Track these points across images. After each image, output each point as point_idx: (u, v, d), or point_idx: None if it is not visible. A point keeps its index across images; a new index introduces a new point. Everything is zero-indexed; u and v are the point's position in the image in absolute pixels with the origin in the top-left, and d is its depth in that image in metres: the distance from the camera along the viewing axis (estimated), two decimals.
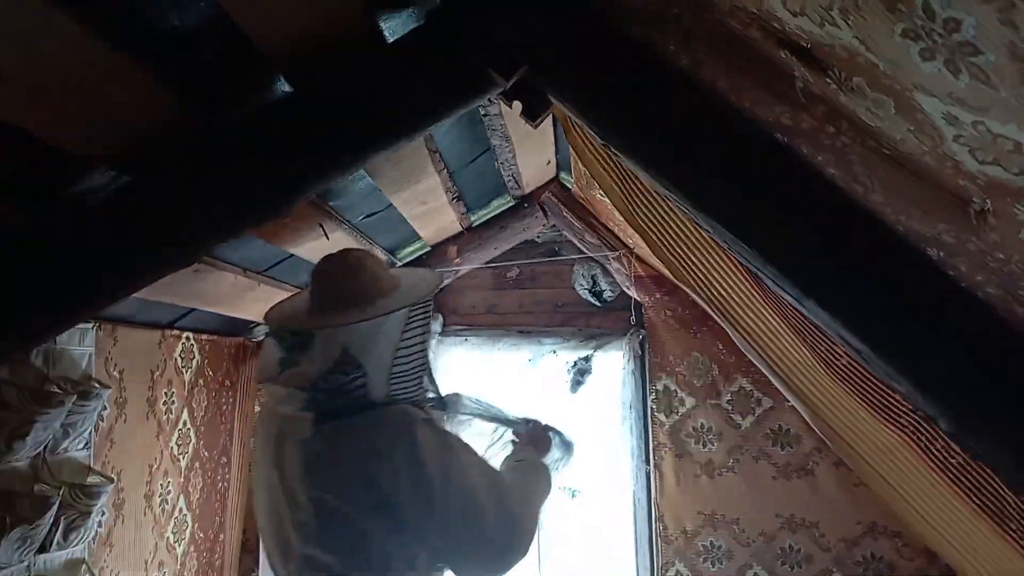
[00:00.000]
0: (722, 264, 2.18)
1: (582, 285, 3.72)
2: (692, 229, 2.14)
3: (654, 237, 2.28)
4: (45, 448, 2.21)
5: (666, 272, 3.09)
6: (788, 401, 3.25)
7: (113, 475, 2.56)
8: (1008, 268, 1.03)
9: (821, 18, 0.86)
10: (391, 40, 1.55)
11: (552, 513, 3.41)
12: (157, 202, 1.56)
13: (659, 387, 3.60)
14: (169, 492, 3.06)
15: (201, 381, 3.26)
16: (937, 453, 2.00)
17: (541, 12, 1.47)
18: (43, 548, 2.20)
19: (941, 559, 3.16)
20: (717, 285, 2.28)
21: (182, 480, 3.17)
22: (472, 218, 3.50)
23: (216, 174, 1.56)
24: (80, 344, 2.38)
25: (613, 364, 3.70)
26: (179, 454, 3.12)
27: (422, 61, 1.52)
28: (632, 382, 3.63)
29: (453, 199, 3.04)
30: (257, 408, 3.77)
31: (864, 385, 2.08)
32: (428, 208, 2.97)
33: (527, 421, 2.14)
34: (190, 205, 1.55)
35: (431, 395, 1.78)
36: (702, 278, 2.30)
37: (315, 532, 1.55)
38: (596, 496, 3.86)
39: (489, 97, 1.60)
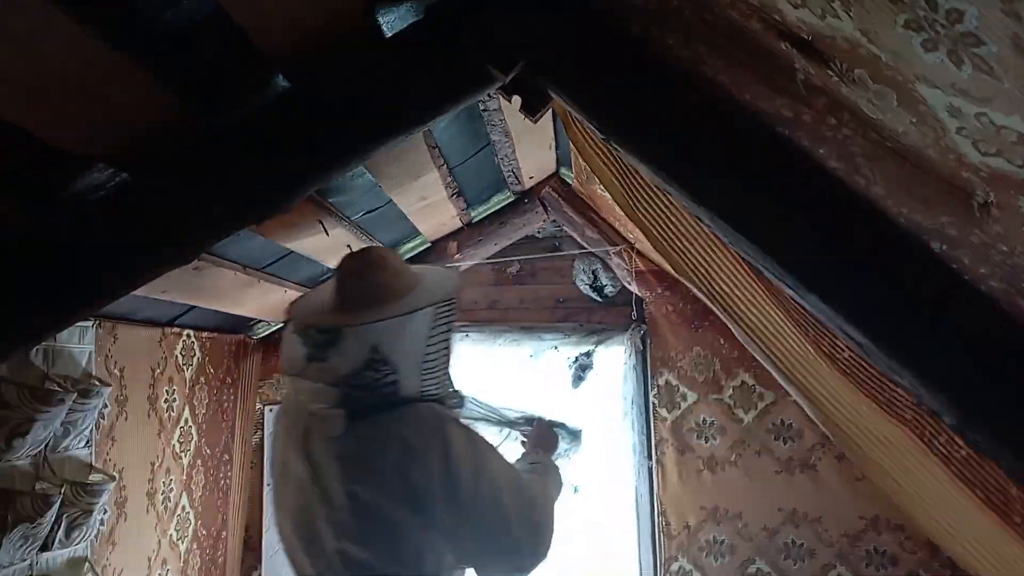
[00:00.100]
0: (723, 258, 2.17)
1: (583, 280, 3.71)
2: (693, 223, 2.13)
3: (655, 232, 2.27)
4: (46, 446, 2.21)
5: (667, 267, 3.08)
6: (790, 395, 3.24)
7: (115, 473, 2.56)
8: (1012, 261, 1.03)
9: (822, 10, 0.86)
10: (390, 35, 1.55)
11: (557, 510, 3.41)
12: (157, 200, 1.56)
13: (661, 382, 3.60)
14: (172, 490, 3.06)
15: (202, 379, 3.26)
16: (941, 447, 1.99)
17: (541, 12, 1.46)
18: (45, 546, 2.20)
19: (944, 552, 3.16)
20: (718, 279, 2.28)
21: (184, 478, 3.17)
22: (472, 214, 3.50)
23: (216, 172, 1.55)
24: (80, 342, 2.38)
25: (614, 359, 3.69)
26: (181, 452, 3.12)
27: (421, 56, 1.52)
28: (633, 377, 3.63)
29: (453, 195, 3.04)
30: (259, 405, 3.78)
31: (866, 379, 2.07)
32: (428, 204, 2.96)
33: (529, 419, 2.15)
34: (190, 203, 1.55)
35: (453, 392, 1.79)
36: (703, 272, 2.30)
37: (349, 527, 1.56)
38: (598, 492, 3.85)
39: (488, 92, 1.59)
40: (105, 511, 2.52)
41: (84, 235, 1.54)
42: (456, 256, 3.61)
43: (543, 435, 2.13)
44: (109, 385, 2.46)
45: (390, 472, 1.54)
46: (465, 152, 2.75)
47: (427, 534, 1.57)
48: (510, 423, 2.14)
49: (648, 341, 3.63)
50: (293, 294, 3.21)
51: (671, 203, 2.11)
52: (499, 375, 3.74)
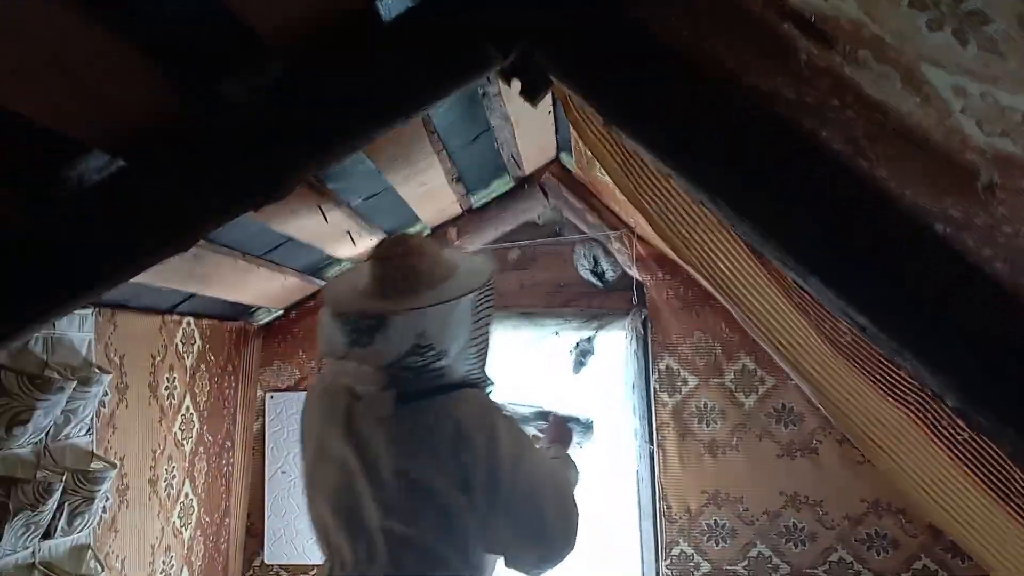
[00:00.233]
0: (725, 243, 2.17)
1: (584, 266, 3.70)
2: (694, 208, 2.12)
3: (656, 216, 2.27)
4: (47, 434, 2.21)
5: (668, 251, 3.08)
6: (791, 379, 3.25)
7: (116, 461, 2.56)
8: (1016, 242, 1.02)
9: None
10: (388, 18, 1.53)
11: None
12: (154, 186, 1.55)
13: (662, 367, 3.60)
14: (174, 477, 3.07)
15: (203, 366, 3.26)
16: (944, 430, 1.99)
17: None
18: (47, 534, 2.21)
19: (945, 535, 3.17)
20: (720, 264, 2.27)
21: (187, 465, 3.18)
22: (472, 199, 3.49)
23: (214, 157, 1.54)
24: (79, 330, 2.37)
25: (615, 344, 3.69)
26: (183, 439, 3.12)
27: (420, 39, 1.50)
28: (635, 362, 3.63)
29: (453, 180, 3.02)
30: (260, 392, 3.78)
31: (869, 362, 2.07)
32: (427, 189, 2.95)
33: (543, 414, 2.19)
34: (188, 189, 1.54)
35: (490, 377, 1.83)
36: (705, 257, 2.29)
37: (397, 506, 1.60)
38: (599, 476, 3.86)
39: (487, 75, 1.58)
40: (107, 498, 2.52)
41: (82, 222, 1.53)
42: (456, 242, 3.60)
43: (559, 430, 2.19)
44: (109, 373, 2.45)
45: (441, 452, 1.59)
46: (465, 137, 2.74)
47: (472, 515, 1.61)
48: (524, 419, 2.17)
49: (649, 326, 3.63)
50: (293, 281, 3.20)
51: (672, 187, 2.10)
52: (500, 361, 3.74)
